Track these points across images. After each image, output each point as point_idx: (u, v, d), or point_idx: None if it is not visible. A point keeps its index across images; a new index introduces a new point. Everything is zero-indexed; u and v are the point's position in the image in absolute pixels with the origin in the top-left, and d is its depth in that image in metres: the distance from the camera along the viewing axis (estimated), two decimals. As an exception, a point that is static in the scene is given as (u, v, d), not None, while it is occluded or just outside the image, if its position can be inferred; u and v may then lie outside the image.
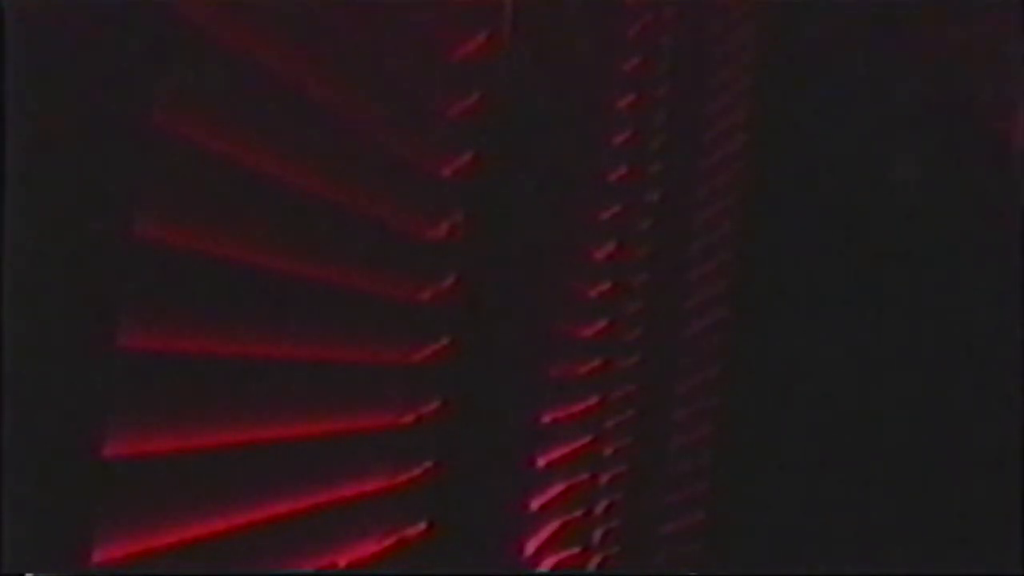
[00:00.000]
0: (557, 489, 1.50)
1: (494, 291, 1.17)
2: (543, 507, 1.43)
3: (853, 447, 2.18)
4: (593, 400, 1.66)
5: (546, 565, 1.47)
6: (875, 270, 2.18)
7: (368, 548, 0.98)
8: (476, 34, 1.11)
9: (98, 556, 0.63)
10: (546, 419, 1.42)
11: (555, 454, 1.47)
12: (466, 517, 1.13)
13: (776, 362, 2.25)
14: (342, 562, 0.93)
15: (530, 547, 1.39)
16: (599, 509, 1.73)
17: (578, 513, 1.63)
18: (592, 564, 1.72)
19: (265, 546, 0.81)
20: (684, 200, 1.99)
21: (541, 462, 1.41)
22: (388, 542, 1.02)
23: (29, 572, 0.57)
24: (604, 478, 1.74)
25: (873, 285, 2.18)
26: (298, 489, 0.86)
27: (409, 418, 1.06)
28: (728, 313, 2.16)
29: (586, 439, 1.64)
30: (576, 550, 1.63)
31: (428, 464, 1.08)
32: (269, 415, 0.82)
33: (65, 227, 0.60)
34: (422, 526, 1.07)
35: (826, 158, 2.16)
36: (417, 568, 1.05)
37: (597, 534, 1.74)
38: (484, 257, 1.14)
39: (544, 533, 1.45)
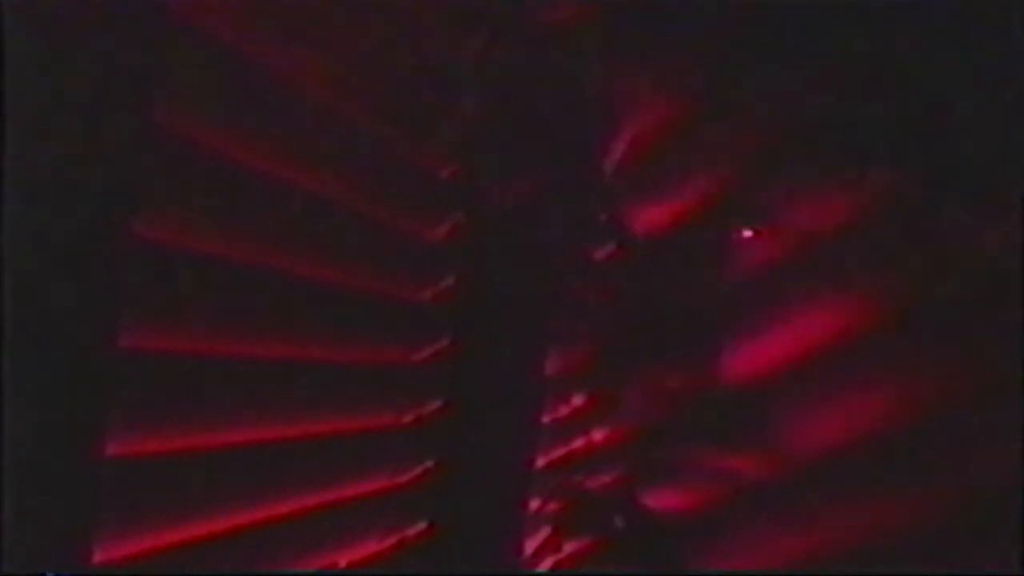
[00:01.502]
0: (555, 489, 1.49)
1: (494, 291, 1.17)
2: (542, 507, 1.43)
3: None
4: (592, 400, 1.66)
5: (545, 565, 1.47)
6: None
7: (368, 548, 0.98)
8: (476, 35, 1.11)
9: (98, 556, 0.63)
10: (545, 419, 1.41)
11: (554, 454, 1.47)
12: (466, 517, 1.13)
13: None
14: (342, 562, 0.93)
15: (529, 547, 1.39)
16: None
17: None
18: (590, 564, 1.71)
19: (265, 546, 0.81)
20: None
21: (541, 462, 1.41)
22: (389, 542, 1.02)
23: (29, 572, 0.58)
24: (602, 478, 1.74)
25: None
26: (298, 489, 0.86)
27: (409, 418, 1.06)
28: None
29: (585, 439, 1.64)
30: (574, 550, 1.63)
31: (428, 464, 1.08)
32: (269, 415, 0.82)
33: (65, 227, 0.60)
34: (422, 526, 1.07)
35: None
36: (417, 568, 1.05)
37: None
38: (484, 257, 1.14)
39: (543, 533, 1.45)
